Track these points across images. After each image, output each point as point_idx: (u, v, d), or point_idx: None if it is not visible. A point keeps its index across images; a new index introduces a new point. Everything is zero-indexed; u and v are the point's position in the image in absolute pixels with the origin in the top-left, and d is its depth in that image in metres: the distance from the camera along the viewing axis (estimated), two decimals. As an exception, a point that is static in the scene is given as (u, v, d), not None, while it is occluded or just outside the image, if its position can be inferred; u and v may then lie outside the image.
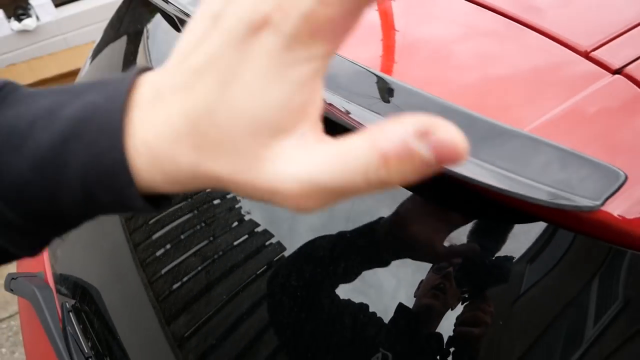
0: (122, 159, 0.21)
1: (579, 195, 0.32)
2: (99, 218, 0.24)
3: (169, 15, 0.84)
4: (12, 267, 2.19)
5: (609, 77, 0.38)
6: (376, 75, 0.41)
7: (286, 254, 0.53)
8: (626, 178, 0.32)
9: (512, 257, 0.39)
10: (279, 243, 0.55)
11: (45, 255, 0.80)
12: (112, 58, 1.02)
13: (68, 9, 3.02)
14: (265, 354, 0.53)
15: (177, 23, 0.82)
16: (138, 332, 0.60)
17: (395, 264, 0.46)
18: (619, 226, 0.33)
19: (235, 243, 0.59)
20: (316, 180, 0.19)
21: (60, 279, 0.71)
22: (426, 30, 0.52)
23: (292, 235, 0.54)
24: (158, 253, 0.64)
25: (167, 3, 0.70)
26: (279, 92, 0.19)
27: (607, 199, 0.31)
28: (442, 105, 0.35)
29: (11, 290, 0.67)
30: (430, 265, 0.42)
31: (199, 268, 0.61)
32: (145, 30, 0.96)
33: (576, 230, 0.36)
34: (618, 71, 0.39)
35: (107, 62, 1.03)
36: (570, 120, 0.37)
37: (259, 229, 0.57)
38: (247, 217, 0.59)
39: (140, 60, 0.94)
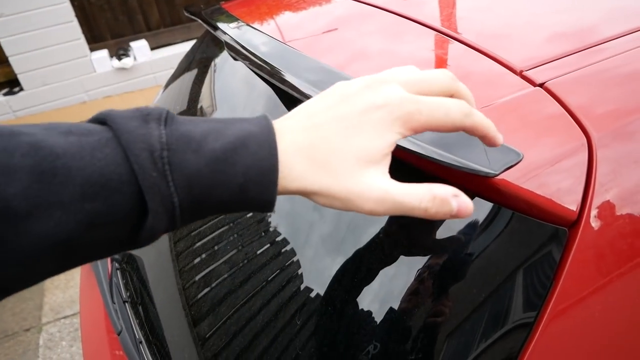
0: (275, 164, 0.31)
1: (486, 166, 0.41)
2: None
3: (233, 51, 0.99)
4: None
5: (532, 88, 0.48)
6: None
7: (299, 259, 0.60)
8: (522, 157, 0.41)
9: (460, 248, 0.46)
10: (292, 250, 0.62)
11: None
12: (182, 88, 1.16)
13: (161, 52, 3.44)
14: (278, 350, 0.58)
15: (238, 57, 0.96)
16: (165, 292, 0.72)
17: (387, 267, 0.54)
18: (514, 192, 0.42)
19: (260, 252, 0.66)
20: (391, 193, 0.33)
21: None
22: (382, 45, 0.62)
23: (305, 245, 0.61)
24: (192, 247, 0.76)
25: (226, 35, 0.85)
26: (379, 141, 0.33)
27: (505, 169, 0.40)
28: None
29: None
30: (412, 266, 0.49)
31: (225, 263, 0.70)
32: (212, 64, 1.11)
33: (481, 195, 0.44)
34: (540, 85, 0.48)
35: (177, 91, 1.18)
36: (496, 115, 0.46)
37: (279, 239, 0.64)
38: (271, 229, 0.66)
39: (205, 90, 1.08)
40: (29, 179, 0.26)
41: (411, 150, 0.42)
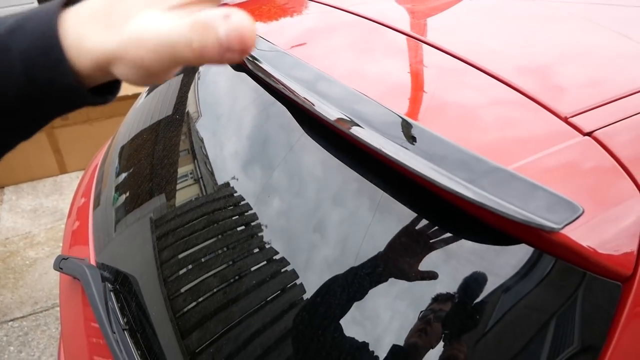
0: (55, 38, 0.27)
1: (546, 219, 0.40)
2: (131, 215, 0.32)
3: None
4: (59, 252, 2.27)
5: (580, 138, 0.48)
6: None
7: (300, 282, 0.59)
8: (583, 211, 0.40)
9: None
10: (293, 271, 0.60)
11: (91, 246, 0.90)
12: (167, 92, 1.11)
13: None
14: None
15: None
16: (165, 315, 0.68)
17: (394, 296, 0.53)
18: (573, 247, 0.42)
19: (253, 268, 0.64)
20: (160, 30, 0.26)
21: (102, 266, 0.80)
22: (452, 93, 0.62)
23: (307, 266, 0.59)
24: (180, 258, 0.72)
25: None
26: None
27: (567, 224, 0.40)
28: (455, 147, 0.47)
29: (60, 269, 0.76)
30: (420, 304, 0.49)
31: (214, 280, 0.67)
32: (197, 71, 1.07)
33: (539, 248, 0.44)
34: (588, 134, 0.49)
35: (162, 96, 1.12)
36: (546, 165, 0.47)
37: (277, 257, 0.63)
38: (267, 246, 0.64)
39: (190, 95, 1.04)
40: None
41: (468, 197, 0.42)
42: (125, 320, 0.67)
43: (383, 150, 0.48)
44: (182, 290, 0.70)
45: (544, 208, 0.41)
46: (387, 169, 0.51)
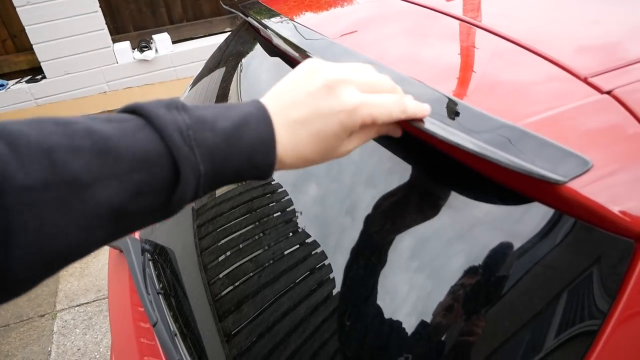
0: (272, 135, 0.40)
1: (552, 172, 0.39)
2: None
3: (265, 47, 0.99)
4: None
5: (599, 96, 0.47)
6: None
7: (328, 262, 0.61)
8: (592, 165, 0.40)
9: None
10: (322, 252, 0.62)
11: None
12: (210, 86, 1.16)
13: (183, 46, 3.45)
14: (305, 348, 0.58)
15: (271, 54, 0.95)
16: (195, 285, 0.72)
17: (416, 273, 0.54)
18: (584, 203, 0.40)
19: (286, 252, 0.67)
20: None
21: (145, 241, 0.86)
22: (456, 55, 0.62)
23: (337, 248, 0.60)
24: (218, 243, 0.76)
25: (270, 30, 0.84)
26: (338, 148, 0.45)
27: (574, 177, 0.39)
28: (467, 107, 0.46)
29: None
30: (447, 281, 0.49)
31: (251, 260, 0.70)
32: (240, 65, 1.11)
33: (551, 206, 0.43)
34: (607, 92, 0.47)
35: (204, 90, 1.18)
36: (561, 122, 0.45)
37: (308, 240, 0.65)
38: (299, 229, 0.67)
39: (232, 87, 1.08)
40: (89, 156, 0.32)
41: (471, 149, 0.42)
42: (160, 285, 0.72)
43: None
44: (216, 261, 0.73)
45: (552, 162, 0.40)
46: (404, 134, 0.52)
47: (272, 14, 0.96)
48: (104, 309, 2.20)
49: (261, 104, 0.42)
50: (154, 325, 0.64)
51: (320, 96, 0.42)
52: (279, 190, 0.76)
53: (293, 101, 0.43)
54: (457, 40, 0.67)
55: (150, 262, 0.77)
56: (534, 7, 0.72)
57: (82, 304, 2.24)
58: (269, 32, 0.82)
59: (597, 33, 0.60)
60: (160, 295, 0.69)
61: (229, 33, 3.87)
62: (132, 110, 0.37)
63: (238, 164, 0.39)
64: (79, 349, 2.01)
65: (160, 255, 0.79)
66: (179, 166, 0.35)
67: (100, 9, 3.12)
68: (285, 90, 0.44)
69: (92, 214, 0.32)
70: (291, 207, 0.72)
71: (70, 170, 0.31)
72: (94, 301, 2.25)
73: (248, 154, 0.39)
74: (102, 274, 2.39)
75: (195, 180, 0.36)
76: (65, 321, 2.15)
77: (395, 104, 0.45)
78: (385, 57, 0.67)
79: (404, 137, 0.55)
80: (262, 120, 0.40)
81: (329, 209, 0.66)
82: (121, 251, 0.83)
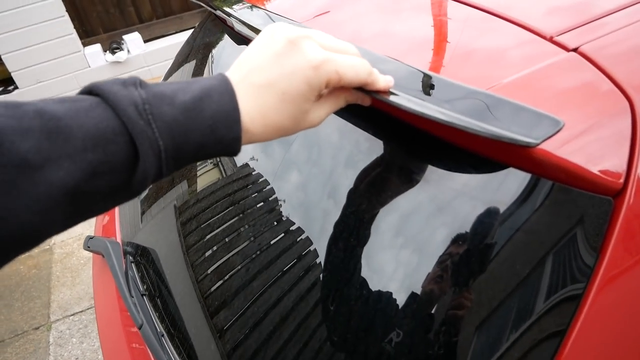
0: (236, 106, 0.39)
1: (523, 135, 0.38)
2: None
3: (234, 37, 0.97)
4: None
5: (565, 54, 0.46)
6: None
7: (314, 248, 0.60)
8: (563, 125, 0.39)
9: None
10: (308, 239, 0.62)
11: (116, 227, 0.94)
12: (183, 77, 1.15)
13: (155, 44, 3.39)
14: (292, 337, 0.58)
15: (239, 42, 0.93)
16: (180, 284, 0.71)
17: (401, 250, 0.54)
18: (559, 163, 0.40)
19: (273, 241, 0.66)
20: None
21: (126, 243, 0.84)
22: (418, 21, 0.61)
23: (322, 234, 0.60)
24: (203, 239, 0.75)
25: (235, 19, 0.83)
26: (304, 107, 0.43)
27: (545, 139, 0.37)
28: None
29: (88, 248, 0.81)
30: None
31: (235, 247, 0.69)
32: (214, 50, 1.09)
33: (525, 169, 0.42)
34: (574, 50, 0.46)
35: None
36: (530, 83, 0.44)
37: (293, 227, 0.64)
38: (284, 218, 0.66)
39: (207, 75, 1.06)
40: (39, 137, 0.31)
41: (439, 119, 0.40)
42: (144, 287, 0.71)
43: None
44: (202, 257, 0.72)
45: (522, 125, 0.39)
46: (371, 109, 0.51)
47: (238, 2, 0.94)
48: (99, 317, 2.18)
49: (224, 76, 0.40)
50: (139, 328, 0.63)
51: (284, 54, 0.41)
52: (260, 180, 0.75)
53: (257, 66, 0.41)
54: (426, 12, 0.66)
55: (133, 264, 0.75)
56: None
57: (77, 312, 2.22)
58: (234, 21, 0.80)
59: None
60: (144, 297, 0.67)
61: (200, 27, 3.75)
62: (89, 90, 0.36)
63: (201, 139, 0.37)
64: (77, 358, 1.99)
65: (142, 257, 0.78)
66: (136, 142, 0.34)
67: (67, 13, 3.04)
68: (248, 57, 0.43)
69: (45, 196, 0.31)
70: (273, 196, 0.71)
71: (18, 152, 0.30)
72: (88, 309, 2.22)
73: (210, 127, 0.37)
74: (94, 282, 2.37)
75: (155, 157, 0.35)
76: (61, 331, 2.13)
77: (361, 64, 0.43)
78: (358, 35, 0.65)
79: (378, 115, 0.54)
80: (224, 92, 0.39)
81: (311, 195, 0.65)
82: (101, 255, 0.81)
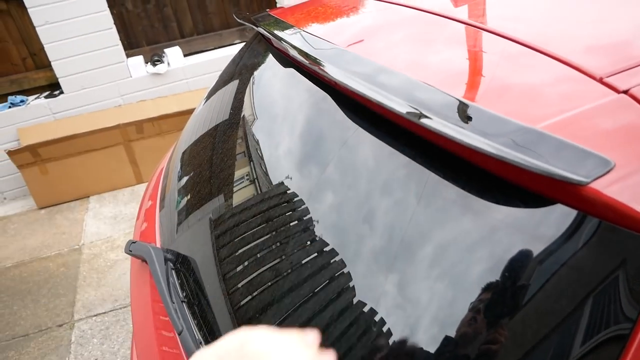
0: None
1: (575, 173, 0.39)
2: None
3: (277, 57, 1.00)
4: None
5: (615, 96, 0.47)
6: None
7: (348, 271, 0.60)
8: (614, 165, 0.40)
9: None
10: (342, 262, 0.61)
11: (157, 232, 0.98)
12: (224, 98, 1.18)
13: (194, 59, 3.50)
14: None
15: (284, 64, 0.96)
16: (214, 295, 0.73)
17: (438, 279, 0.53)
18: (608, 202, 0.40)
19: (304, 258, 0.66)
20: None
21: (166, 251, 0.87)
22: (467, 60, 0.62)
23: (356, 257, 0.60)
24: (237, 252, 0.76)
25: (283, 42, 0.85)
26: None
27: (596, 178, 0.38)
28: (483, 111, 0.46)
29: (130, 252, 0.84)
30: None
31: (266, 262, 0.69)
32: (253, 76, 1.12)
33: (575, 207, 0.43)
34: (624, 92, 0.48)
35: (219, 101, 1.19)
36: (580, 123, 0.46)
37: (327, 249, 0.64)
38: (317, 238, 0.66)
39: (246, 99, 1.08)
40: None
41: (489, 152, 0.42)
42: (184, 294, 0.73)
43: (417, 120, 0.49)
44: (235, 272, 0.74)
45: (572, 163, 0.40)
46: (421, 140, 0.52)
47: (283, 25, 0.97)
48: (120, 319, 2.22)
49: None
50: (179, 334, 0.65)
51: None
52: (295, 199, 0.76)
53: None
54: (466, 45, 0.68)
55: (173, 271, 0.78)
56: (539, 9, 0.72)
57: (100, 313, 2.26)
58: (282, 42, 0.84)
59: (605, 32, 0.60)
60: (184, 304, 0.70)
61: (238, 45, 3.88)
62: None
63: None
64: (96, 359, 2.03)
65: (182, 265, 0.80)
66: None
67: (114, 25, 3.18)
68: None
69: None
70: (308, 216, 0.73)
71: None
72: (110, 311, 2.27)
73: None
74: (118, 284, 2.42)
75: None
76: (83, 331, 2.17)
77: None
78: (395, 64, 0.67)
79: (422, 143, 0.55)
80: None
81: (346, 217, 0.66)
82: (144, 261, 0.84)
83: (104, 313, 2.26)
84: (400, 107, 0.53)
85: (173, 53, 3.39)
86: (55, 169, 3.08)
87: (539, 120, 0.46)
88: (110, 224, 2.93)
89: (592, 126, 0.45)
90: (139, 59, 3.35)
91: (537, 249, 0.46)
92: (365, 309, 0.57)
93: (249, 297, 0.70)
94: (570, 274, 0.44)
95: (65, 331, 2.19)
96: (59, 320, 2.25)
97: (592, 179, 0.40)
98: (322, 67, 0.71)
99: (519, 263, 0.46)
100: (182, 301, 0.70)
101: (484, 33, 0.67)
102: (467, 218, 0.51)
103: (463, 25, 0.72)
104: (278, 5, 3.69)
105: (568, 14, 0.68)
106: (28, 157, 3.00)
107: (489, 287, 0.47)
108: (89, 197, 3.26)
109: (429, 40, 0.73)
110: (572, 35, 0.61)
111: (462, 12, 0.78)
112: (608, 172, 0.40)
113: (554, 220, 0.45)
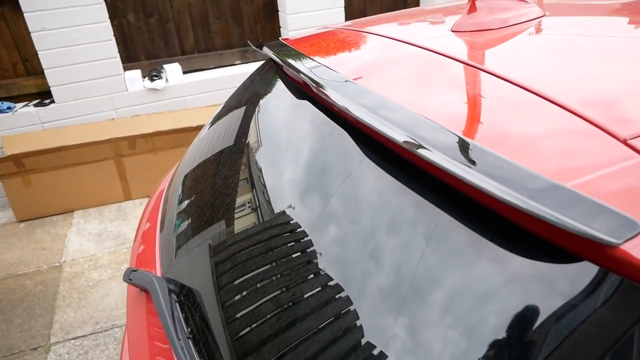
0: None
1: (606, 234, 0.39)
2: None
3: (291, 87, 0.98)
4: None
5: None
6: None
7: (354, 309, 0.58)
8: None
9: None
10: (348, 299, 0.59)
11: (157, 265, 0.91)
12: (230, 124, 1.15)
13: (193, 76, 3.47)
14: None
15: (294, 93, 0.94)
16: (220, 329, 0.66)
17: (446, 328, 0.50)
18: (630, 260, 0.39)
19: (308, 293, 0.64)
20: None
21: (169, 280, 0.80)
22: (512, 120, 0.61)
23: (361, 292, 0.58)
24: (237, 281, 0.71)
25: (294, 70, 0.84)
26: None
27: (627, 240, 0.38)
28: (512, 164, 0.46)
29: (129, 281, 0.77)
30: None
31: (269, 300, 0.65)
32: (258, 106, 1.09)
33: (602, 266, 0.43)
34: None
35: (225, 127, 1.16)
36: (605, 185, 0.46)
37: (331, 283, 0.62)
38: (322, 273, 0.64)
39: (252, 126, 1.05)
40: None
41: (518, 206, 0.42)
42: (189, 329, 0.66)
43: (448, 168, 0.49)
44: (240, 314, 0.69)
45: (603, 223, 0.41)
46: (448, 189, 0.52)
47: (295, 53, 0.97)
48: (101, 343, 2.09)
49: None
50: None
51: None
52: (298, 230, 0.72)
53: None
54: (482, 94, 0.67)
55: (177, 304, 0.71)
56: (566, 65, 0.72)
57: (79, 337, 2.13)
58: (300, 74, 0.82)
59: (628, 91, 0.61)
60: (189, 340, 0.63)
61: (239, 66, 3.86)
62: None
63: None
64: (71, 388, 1.90)
65: (186, 297, 0.73)
66: None
67: (114, 37, 3.14)
68: None
69: None
70: (311, 248, 0.69)
71: None
72: (91, 334, 2.14)
73: None
74: (100, 306, 2.30)
75: None
76: (60, 355, 2.04)
77: None
78: (425, 108, 0.65)
79: (444, 187, 0.53)
80: None
81: (350, 252, 0.63)
82: (143, 290, 0.76)
83: (84, 336, 2.13)
84: (433, 156, 0.52)
85: (172, 69, 3.35)
86: (39, 181, 2.97)
87: (569, 179, 0.47)
88: (94, 241, 2.81)
89: (619, 188, 0.46)
90: (137, 72, 3.30)
91: (559, 303, 0.45)
92: (368, 350, 0.54)
93: (256, 340, 0.64)
94: (591, 330, 0.43)
95: (40, 355, 2.05)
96: (34, 343, 2.12)
97: (623, 241, 0.39)
98: (326, 94, 0.71)
99: (537, 316, 0.46)
100: (187, 337, 0.63)
101: (508, 84, 0.66)
102: (483, 264, 0.50)
103: (478, 71, 0.72)
104: (282, 29, 3.70)
105: (599, 79, 0.68)
106: (11, 167, 2.89)
107: (509, 340, 0.46)
108: (73, 211, 3.14)
109: (459, 86, 0.72)
110: (599, 100, 0.61)
111: (471, 57, 0.78)
112: (638, 235, 0.40)
113: (576, 275, 0.44)
